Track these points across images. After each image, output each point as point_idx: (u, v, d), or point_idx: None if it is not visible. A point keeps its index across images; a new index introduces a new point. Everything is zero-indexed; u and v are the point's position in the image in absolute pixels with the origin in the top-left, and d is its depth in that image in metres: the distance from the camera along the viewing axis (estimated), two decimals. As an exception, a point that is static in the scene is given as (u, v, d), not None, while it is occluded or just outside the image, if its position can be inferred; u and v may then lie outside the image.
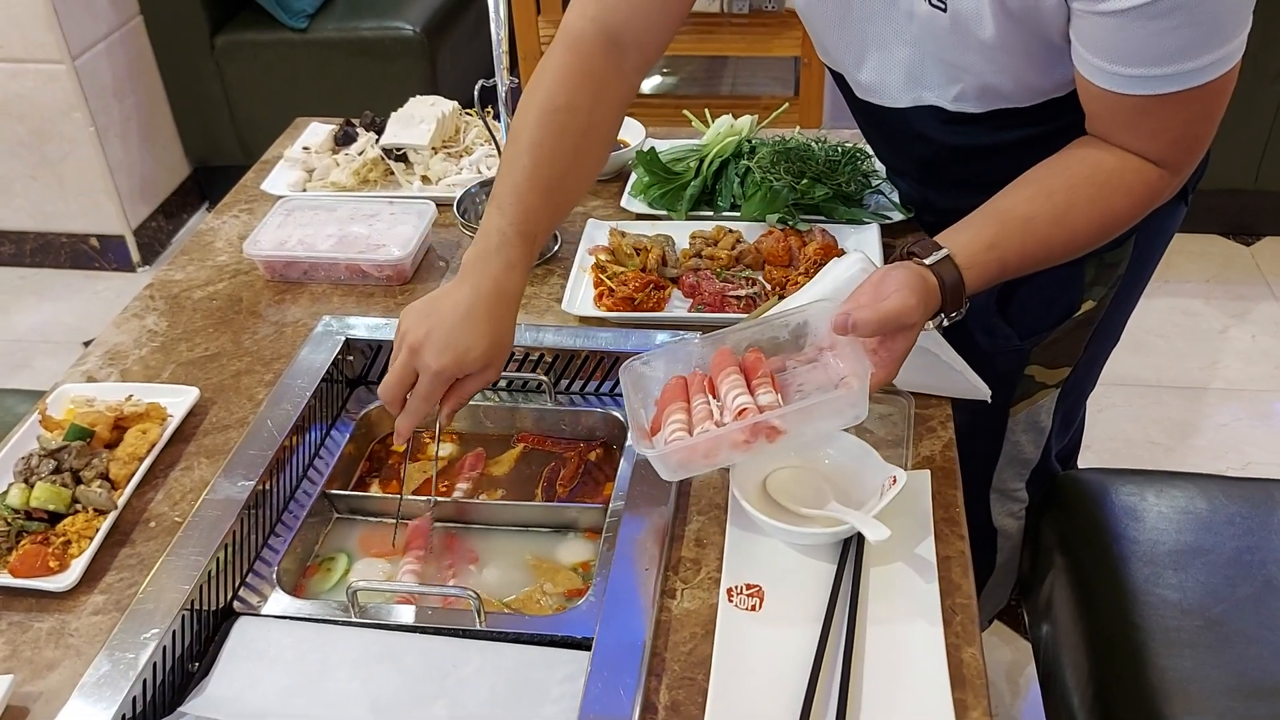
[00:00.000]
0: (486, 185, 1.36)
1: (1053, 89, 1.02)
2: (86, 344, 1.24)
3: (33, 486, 0.97)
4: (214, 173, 3.05)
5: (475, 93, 1.31)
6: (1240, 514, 1.30)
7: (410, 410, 0.98)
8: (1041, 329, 1.23)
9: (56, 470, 0.99)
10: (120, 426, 1.07)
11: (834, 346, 0.95)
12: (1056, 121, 1.02)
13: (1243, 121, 2.54)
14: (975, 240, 0.94)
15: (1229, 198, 2.71)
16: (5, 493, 0.98)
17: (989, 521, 1.44)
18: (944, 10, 0.96)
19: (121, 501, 0.99)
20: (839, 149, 1.37)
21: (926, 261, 0.92)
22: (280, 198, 1.43)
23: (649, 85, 3.49)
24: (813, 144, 1.37)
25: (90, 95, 2.66)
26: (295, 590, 1.00)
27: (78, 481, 1.00)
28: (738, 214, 1.35)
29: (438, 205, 1.39)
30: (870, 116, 1.17)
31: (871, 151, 1.37)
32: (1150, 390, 2.30)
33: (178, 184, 3.03)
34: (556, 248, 1.33)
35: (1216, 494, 1.33)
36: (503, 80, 1.28)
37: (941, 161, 1.16)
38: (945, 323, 0.95)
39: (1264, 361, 2.36)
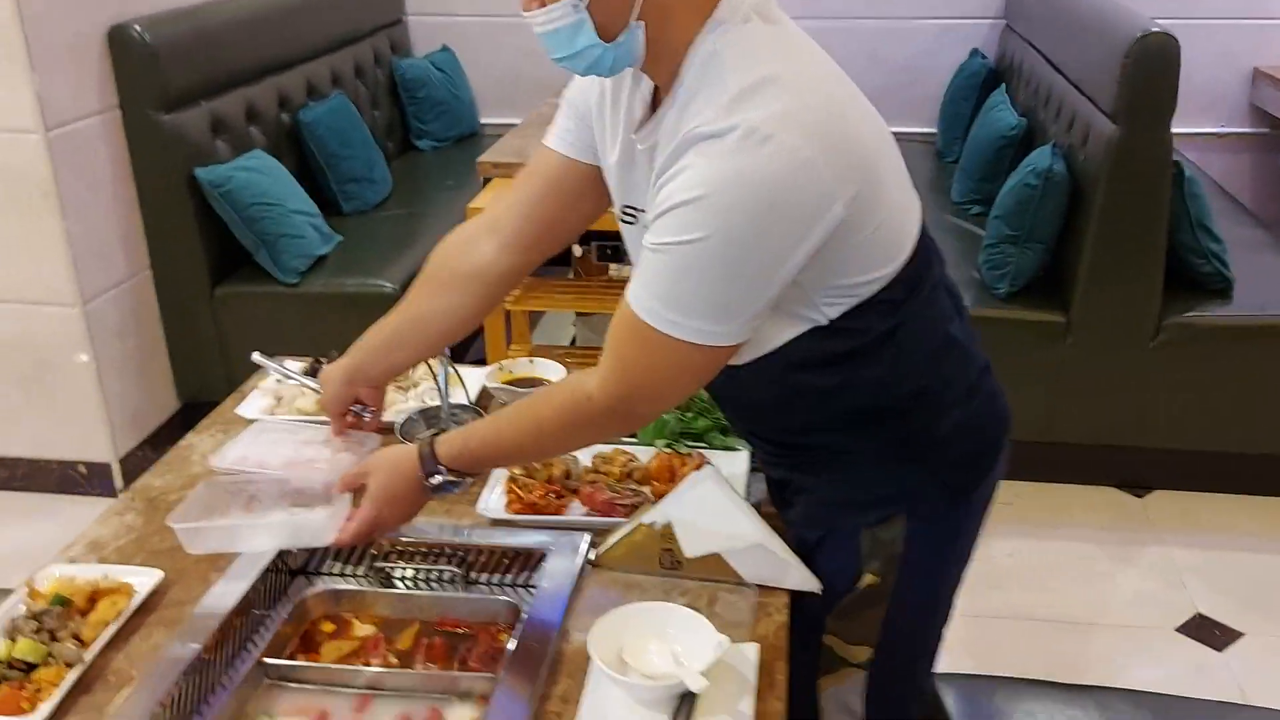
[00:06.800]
0: (424, 412, 1.62)
1: None
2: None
3: (15, 642, 1.17)
4: (201, 408, 3.27)
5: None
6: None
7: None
8: (832, 595, 1.30)
9: (38, 630, 1.19)
10: (94, 599, 1.27)
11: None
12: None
13: (1124, 383, 2.87)
14: (462, 430, 1.28)
15: (1122, 453, 2.99)
16: (-8, 647, 1.18)
17: None
18: (634, 223, 1.22)
19: (89, 657, 1.19)
20: (722, 390, 1.64)
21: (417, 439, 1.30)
22: (252, 421, 1.68)
23: (565, 337, 3.82)
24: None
25: (95, 336, 2.96)
26: (227, 743, 1.18)
27: (53, 639, 1.19)
28: (635, 439, 1.60)
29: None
30: None
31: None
32: (1045, 625, 2.49)
33: (166, 418, 3.29)
34: (480, 465, 1.57)
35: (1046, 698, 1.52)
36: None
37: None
38: (435, 480, 1.26)
39: (1150, 602, 2.57)
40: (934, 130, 4.27)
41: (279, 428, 1.65)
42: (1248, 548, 2.77)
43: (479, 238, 1.42)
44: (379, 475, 1.29)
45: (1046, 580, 2.64)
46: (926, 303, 1.21)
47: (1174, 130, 2.65)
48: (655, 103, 1.18)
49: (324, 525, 1.30)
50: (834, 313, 1.15)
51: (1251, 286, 2.88)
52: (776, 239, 1.04)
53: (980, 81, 3.98)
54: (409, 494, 1.28)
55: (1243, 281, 2.87)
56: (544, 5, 1.09)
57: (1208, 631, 2.46)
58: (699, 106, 1.06)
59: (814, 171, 1.02)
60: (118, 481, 3.10)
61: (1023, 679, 1.58)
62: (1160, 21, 2.70)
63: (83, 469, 3.11)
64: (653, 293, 1.09)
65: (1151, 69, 2.58)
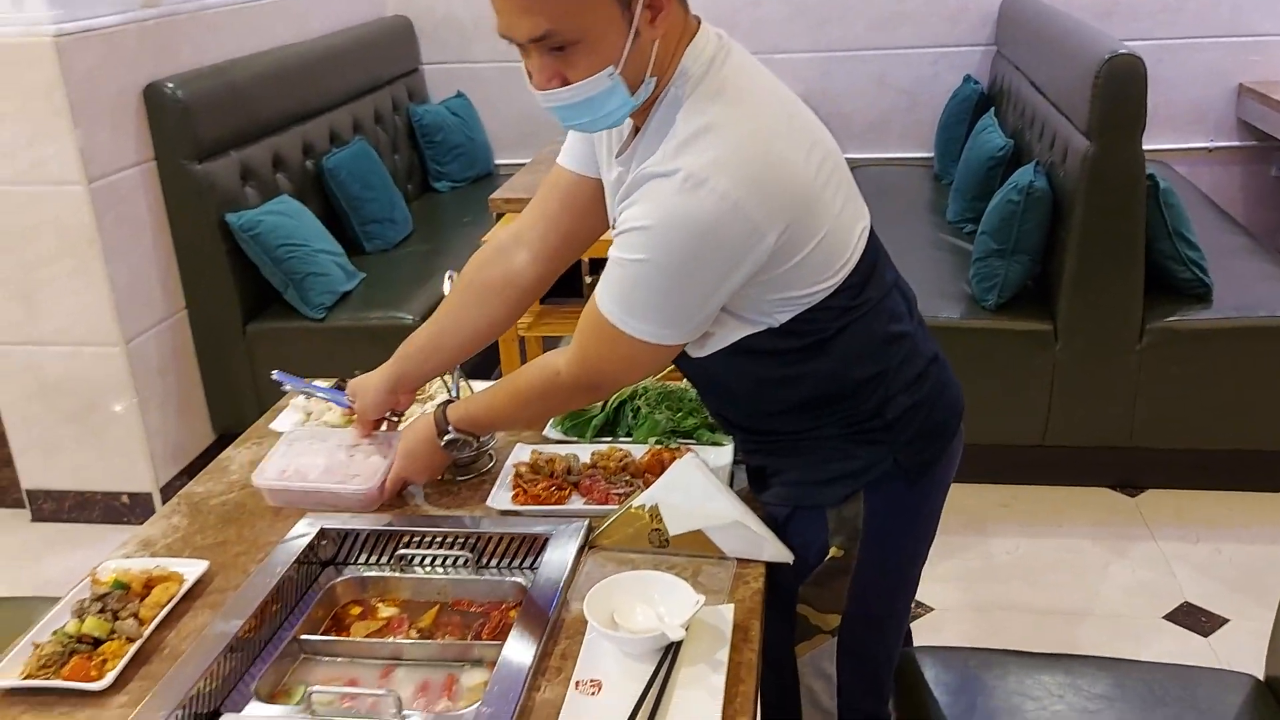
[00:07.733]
0: (440, 420, 1.79)
1: None
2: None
3: (83, 620, 1.34)
4: (235, 438, 3.49)
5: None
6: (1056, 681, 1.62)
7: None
8: (804, 567, 1.43)
9: (102, 610, 1.36)
10: (149, 586, 1.44)
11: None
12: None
13: (1114, 387, 2.99)
14: (466, 399, 1.56)
15: (1115, 454, 3.11)
16: (64, 626, 1.34)
17: None
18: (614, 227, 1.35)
19: (146, 633, 1.35)
20: (709, 392, 1.79)
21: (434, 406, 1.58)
22: (282, 434, 1.84)
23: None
24: (687, 389, 1.80)
25: (137, 373, 3.15)
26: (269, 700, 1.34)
27: (115, 618, 1.36)
28: (630, 439, 1.76)
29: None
30: None
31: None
32: (1040, 616, 2.61)
33: (203, 449, 3.48)
34: (491, 464, 1.72)
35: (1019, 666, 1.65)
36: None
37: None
38: (446, 438, 1.53)
39: (1141, 592, 2.68)
40: (932, 154, 4.43)
41: (306, 436, 1.80)
42: (1236, 539, 2.87)
43: (510, 249, 1.61)
44: (405, 437, 1.60)
45: (1043, 575, 2.76)
46: (875, 304, 1.36)
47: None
48: (637, 127, 1.35)
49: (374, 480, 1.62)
50: (784, 318, 1.32)
51: (1232, 290, 3.01)
52: (709, 268, 1.23)
53: (973, 105, 4.14)
54: (428, 451, 1.57)
55: (1223, 286, 3.00)
56: (567, 84, 1.22)
57: (1194, 618, 2.57)
58: (656, 147, 1.24)
59: (742, 213, 1.19)
60: (158, 510, 3.27)
61: (997, 649, 1.70)
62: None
63: (126, 499, 3.29)
64: (610, 296, 1.28)
65: (1120, 88, 2.73)
